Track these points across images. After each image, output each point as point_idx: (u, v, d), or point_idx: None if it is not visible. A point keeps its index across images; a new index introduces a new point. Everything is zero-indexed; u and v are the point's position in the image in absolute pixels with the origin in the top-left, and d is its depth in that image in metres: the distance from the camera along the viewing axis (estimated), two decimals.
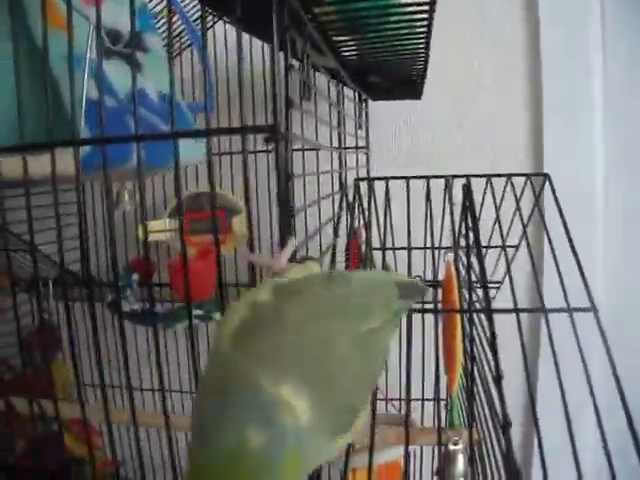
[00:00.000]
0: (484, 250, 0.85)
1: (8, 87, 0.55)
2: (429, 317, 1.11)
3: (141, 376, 1.24)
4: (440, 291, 0.80)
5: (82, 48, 0.64)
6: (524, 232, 0.74)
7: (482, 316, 0.96)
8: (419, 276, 1.04)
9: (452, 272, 0.75)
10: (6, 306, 1.13)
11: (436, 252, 0.77)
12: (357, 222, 0.82)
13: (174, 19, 0.99)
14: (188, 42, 1.16)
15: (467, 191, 0.75)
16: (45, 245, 0.91)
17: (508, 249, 0.81)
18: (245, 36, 0.91)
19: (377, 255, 0.97)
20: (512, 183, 0.78)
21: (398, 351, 1.13)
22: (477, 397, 0.68)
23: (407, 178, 0.79)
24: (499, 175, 0.78)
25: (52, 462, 0.86)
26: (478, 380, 0.70)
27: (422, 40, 0.73)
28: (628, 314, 1.18)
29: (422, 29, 0.68)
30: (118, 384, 1.11)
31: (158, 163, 0.74)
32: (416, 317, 0.65)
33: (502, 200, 0.77)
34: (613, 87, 1.17)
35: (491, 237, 0.83)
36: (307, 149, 1.07)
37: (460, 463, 0.77)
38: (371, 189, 0.79)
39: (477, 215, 0.73)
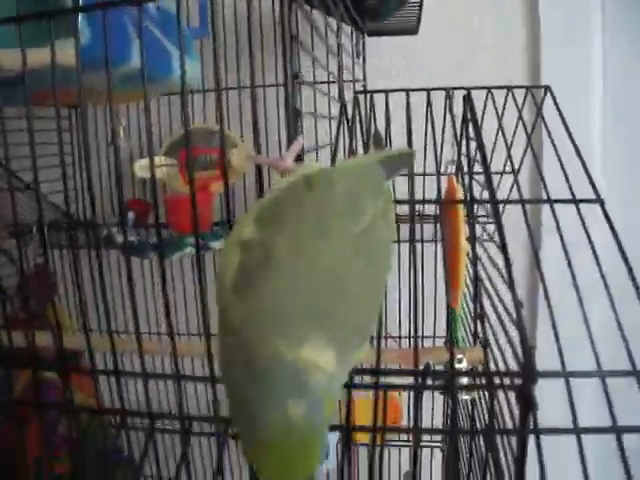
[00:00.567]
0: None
1: None
2: (429, 250, 1.13)
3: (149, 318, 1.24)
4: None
5: None
6: (528, 141, 0.74)
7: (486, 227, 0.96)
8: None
9: (454, 183, 0.75)
10: None
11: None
12: (356, 139, 0.82)
13: None
14: None
15: (468, 100, 0.75)
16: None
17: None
18: None
19: None
20: (513, 95, 0.77)
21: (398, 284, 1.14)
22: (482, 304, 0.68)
23: (407, 90, 0.78)
24: (499, 87, 0.78)
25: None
26: (484, 290, 0.70)
27: None
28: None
29: None
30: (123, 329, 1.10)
31: (157, 72, 0.73)
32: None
33: (503, 110, 0.77)
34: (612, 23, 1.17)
35: (494, 148, 0.82)
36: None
37: (464, 381, 0.77)
38: (371, 103, 0.79)
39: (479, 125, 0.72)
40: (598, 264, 0.55)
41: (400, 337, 1.16)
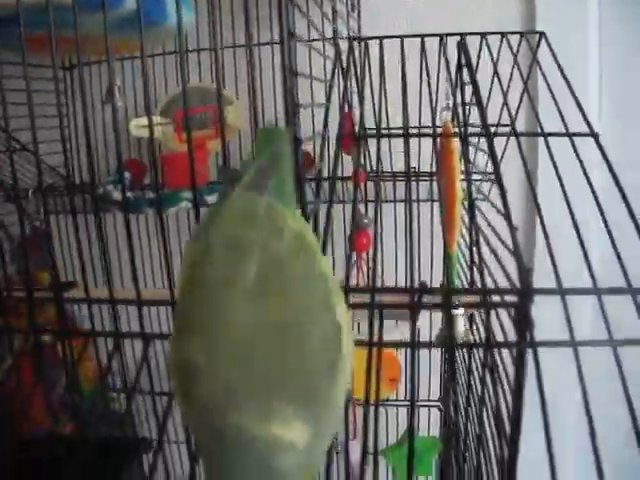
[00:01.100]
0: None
1: None
2: (424, 209, 1.14)
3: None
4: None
5: None
6: (525, 86, 0.74)
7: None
8: None
9: (449, 129, 0.75)
10: None
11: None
12: (351, 87, 0.82)
13: None
14: None
15: (462, 46, 0.75)
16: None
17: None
18: None
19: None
20: (508, 41, 0.78)
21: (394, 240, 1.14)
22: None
23: (401, 37, 0.78)
24: (494, 33, 0.78)
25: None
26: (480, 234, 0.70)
27: None
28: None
29: None
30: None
31: (151, 16, 0.73)
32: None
33: (498, 56, 0.77)
34: None
35: (490, 94, 0.82)
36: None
37: (460, 325, 0.78)
38: (365, 50, 0.79)
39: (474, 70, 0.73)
40: (596, 199, 0.56)
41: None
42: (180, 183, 0.98)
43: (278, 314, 0.36)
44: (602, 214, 0.54)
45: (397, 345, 0.82)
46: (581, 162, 0.59)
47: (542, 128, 0.63)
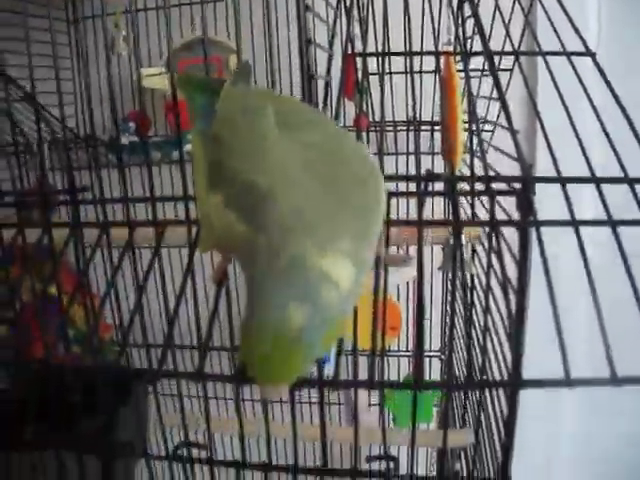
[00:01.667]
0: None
1: None
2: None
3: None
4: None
5: None
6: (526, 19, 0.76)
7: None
8: None
9: (451, 60, 0.77)
10: None
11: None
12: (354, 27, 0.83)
13: None
14: None
15: None
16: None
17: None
18: None
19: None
20: None
21: None
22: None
23: None
24: None
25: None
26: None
27: None
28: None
29: None
30: None
31: None
32: None
33: None
34: None
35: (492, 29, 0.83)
36: None
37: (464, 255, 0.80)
38: None
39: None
40: (597, 114, 0.57)
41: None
42: (185, 125, 1.00)
43: (325, 145, 0.40)
44: (600, 121, 0.56)
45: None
46: (579, 78, 0.60)
47: (540, 47, 0.64)
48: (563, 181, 0.48)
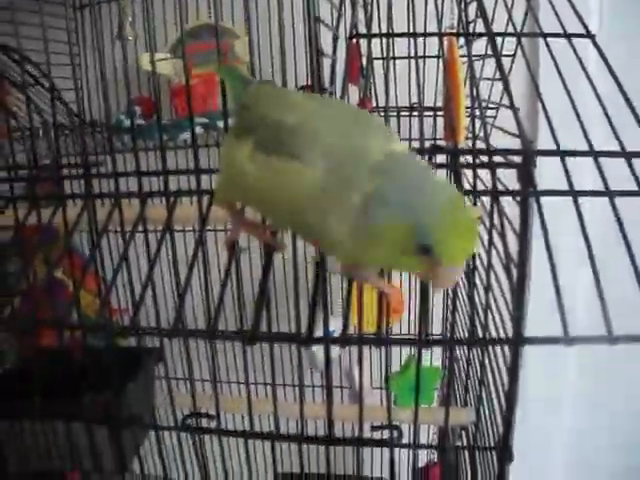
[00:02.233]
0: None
1: None
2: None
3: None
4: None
5: None
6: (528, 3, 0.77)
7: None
8: None
9: (454, 42, 0.78)
10: None
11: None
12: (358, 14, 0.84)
13: None
14: None
15: None
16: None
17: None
18: None
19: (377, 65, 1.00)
20: None
21: None
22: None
23: None
24: None
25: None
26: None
27: None
28: None
29: None
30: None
31: None
32: None
33: None
34: None
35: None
36: None
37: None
38: None
39: None
40: (597, 95, 0.58)
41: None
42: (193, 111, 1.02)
43: (345, 109, 0.47)
44: (600, 101, 0.57)
45: None
46: (580, 60, 0.62)
47: (541, 28, 0.65)
48: (562, 154, 0.50)
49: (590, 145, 0.51)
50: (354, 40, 0.89)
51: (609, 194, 0.47)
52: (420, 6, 0.84)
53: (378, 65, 0.93)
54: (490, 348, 0.77)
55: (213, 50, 1.11)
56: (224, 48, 1.10)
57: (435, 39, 0.74)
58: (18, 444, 0.72)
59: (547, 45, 0.63)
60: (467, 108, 0.78)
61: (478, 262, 0.57)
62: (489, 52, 0.85)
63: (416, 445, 0.60)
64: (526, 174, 0.46)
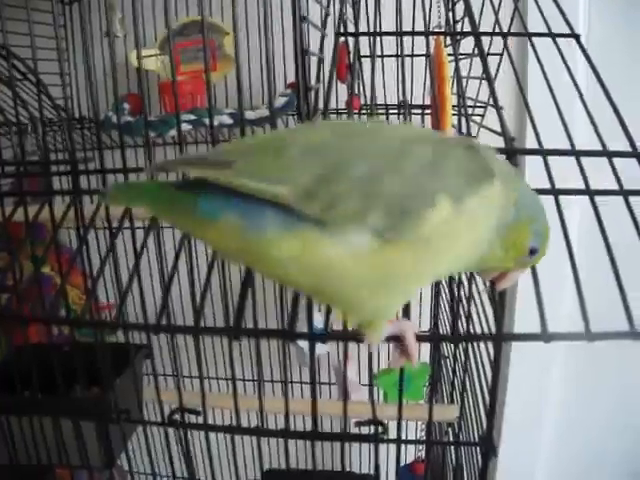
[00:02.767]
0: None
1: None
2: None
3: None
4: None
5: None
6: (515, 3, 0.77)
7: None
8: None
9: (441, 42, 0.79)
10: None
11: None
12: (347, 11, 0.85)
13: None
14: None
15: None
16: None
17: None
18: None
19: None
20: None
21: None
22: None
23: None
24: None
25: None
26: None
27: None
28: None
29: None
30: None
31: None
32: None
33: None
34: None
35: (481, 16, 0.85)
36: None
37: None
38: None
39: None
40: (579, 91, 0.59)
41: None
42: (180, 108, 1.02)
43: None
44: (583, 101, 0.58)
45: None
46: (564, 59, 0.62)
47: (526, 29, 0.66)
48: (544, 153, 0.50)
49: (572, 144, 0.51)
50: (342, 38, 0.90)
51: (588, 193, 0.48)
52: (408, 5, 0.85)
53: (367, 63, 0.93)
54: (476, 346, 0.78)
55: (201, 47, 1.12)
56: (212, 45, 1.10)
57: (423, 38, 0.75)
58: (6, 439, 0.72)
59: (532, 45, 0.64)
60: (454, 107, 0.78)
61: None
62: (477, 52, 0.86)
63: (401, 441, 0.61)
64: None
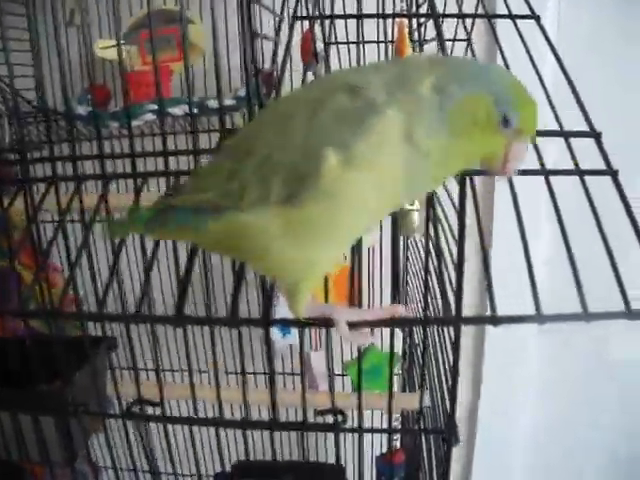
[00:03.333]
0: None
1: None
2: None
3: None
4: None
5: None
6: None
7: None
8: None
9: (404, 27, 0.78)
10: None
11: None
12: None
13: None
14: None
15: None
16: None
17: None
18: None
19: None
20: None
21: None
22: None
23: None
24: None
25: None
26: None
27: None
28: None
29: None
30: None
31: None
32: None
33: None
34: None
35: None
36: None
37: (415, 219, 0.81)
38: None
39: None
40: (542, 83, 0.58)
41: None
42: (144, 98, 1.00)
43: None
44: (543, 85, 0.57)
45: None
46: (524, 42, 0.62)
47: (487, 12, 0.65)
48: None
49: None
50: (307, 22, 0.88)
51: (544, 172, 0.48)
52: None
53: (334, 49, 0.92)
54: (445, 331, 0.77)
55: (166, 36, 1.10)
56: (176, 33, 1.09)
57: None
58: None
59: (492, 27, 0.64)
60: None
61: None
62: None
63: (362, 430, 0.60)
64: None
